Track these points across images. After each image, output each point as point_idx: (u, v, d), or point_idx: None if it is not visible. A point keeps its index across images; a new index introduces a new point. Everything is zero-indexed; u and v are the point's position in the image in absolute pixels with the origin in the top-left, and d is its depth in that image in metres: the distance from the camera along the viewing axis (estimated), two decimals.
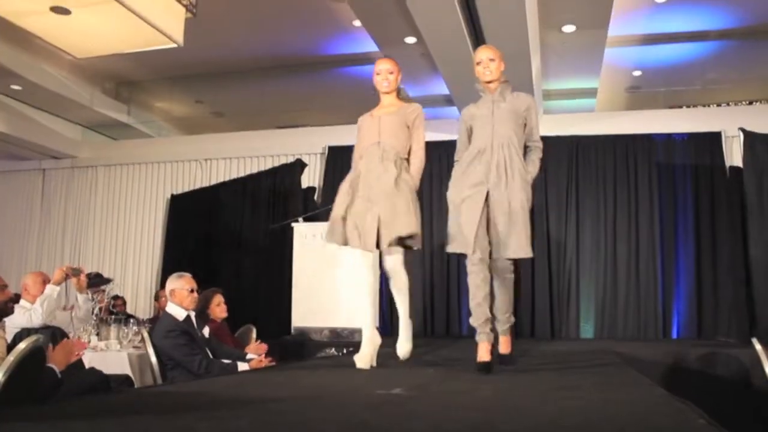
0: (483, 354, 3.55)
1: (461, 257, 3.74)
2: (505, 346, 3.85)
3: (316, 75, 8.38)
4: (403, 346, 4.12)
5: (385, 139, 3.85)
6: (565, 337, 7.60)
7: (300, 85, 8.76)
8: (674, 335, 7.44)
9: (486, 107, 3.78)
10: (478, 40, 6.05)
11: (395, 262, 3.87)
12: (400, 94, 4.08)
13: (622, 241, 7.72)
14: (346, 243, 3.80)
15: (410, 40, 6.54)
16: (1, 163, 9.87)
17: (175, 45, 5.95)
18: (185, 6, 5.92)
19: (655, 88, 8.98)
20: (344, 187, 3.89)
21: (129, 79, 9.49)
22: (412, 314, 4.12)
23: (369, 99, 8.79)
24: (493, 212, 3.62)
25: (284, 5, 7.19)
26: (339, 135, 8.23)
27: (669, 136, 7.89)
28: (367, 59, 8.15)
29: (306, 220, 7.13)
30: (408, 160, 3.91)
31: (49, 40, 6.20)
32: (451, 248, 3.72)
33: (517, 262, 3.74)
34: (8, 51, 7.58)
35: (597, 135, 8.01)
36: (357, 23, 7.01)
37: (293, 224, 6.97)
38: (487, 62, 3.77)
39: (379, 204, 3.72)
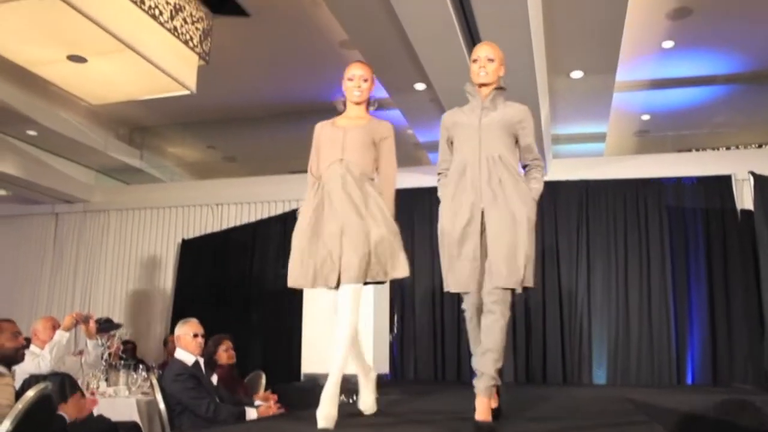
0: (483, 412, 2.98)
1: (461, 297, 3.26)
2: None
3: (325, 120, 8.44)
4: (366, 399, 3.53)
5: (349, 156, 3.32)
6: (577, 382, 7.51)
7: (311, 131, 8.81)
8: (689, 381, 7.33)
9: (473, 115, 3.28)
10: None
11: (352, 296, 3.12)
12: (370, 106, 3.59)
13: (633, 286, 7.67)
14: (315, 284, 3.20)
15: (420, 86, 6.62)
16: (15, 207, 9.96)
17: (188, 92, 6.06)
18: (198, 54, 6.04)
19: (663, 132, 9.02)
20: (307, 219, 3.29)
21: (142, 124, 9.63)
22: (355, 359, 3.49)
23: None
24: (490, 233, 3.11)
25: (295, 52, 7.31)
26: None
27: (678, 180, 7.89)
28: (378, 105, 8.24)
29: None
30: (373, 180, 3.39)
31: (65, 88, 6.33)
32: (455, 288, 3.19)
33: (514, 297, 3.14)
34: (25, 98, 7.72)
35: (606, 179, 8.02)
36: None
37: None
38: (484, 61, 3.27)
39: (352, 236, 3.14)
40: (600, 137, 8.53)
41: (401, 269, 3.24)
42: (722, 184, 7.71)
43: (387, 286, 6.35)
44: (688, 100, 8.52)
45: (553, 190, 8.00)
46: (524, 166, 3.37)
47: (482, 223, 3.13)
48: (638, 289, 7.64)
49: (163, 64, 5.67)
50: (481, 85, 3.27)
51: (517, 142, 3.30)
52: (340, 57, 7.07)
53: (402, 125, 7.99)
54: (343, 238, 3.15)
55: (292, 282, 3.26)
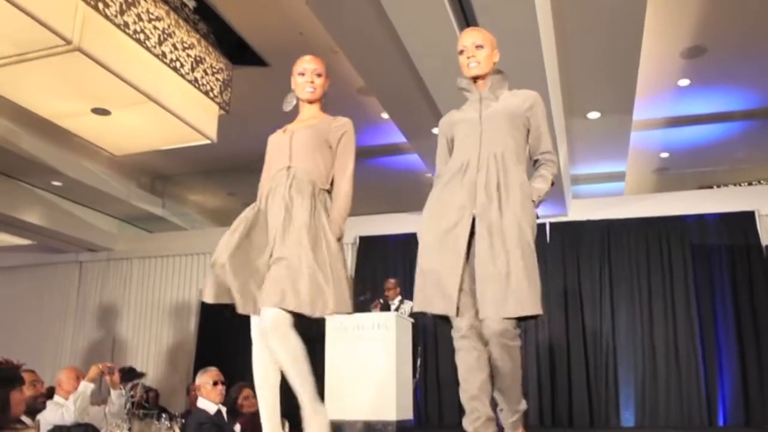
0: None
1: (438, 322, 2.72)
2: None
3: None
4: None
5: (297, 163, 2.81)
6: (604, 425, 7.36)
7: None
8: (720, 422, 7.18)
9: (472, 109, 2.78)
10: None
11: (280, 319, 2.55)
12: (325, 107, 3.04)
13: (659, 325, 7.57)
14: (226, 301, 2.72)
15: (437, 130, 6.66)
16: (40, 256, 10.09)
17: (209, 141, 6.15)
18: (218, 104, 6.15)
19: (683, 169, 9.00)
20: (238, 225, 2.75)
21: (164, 173, 9.76)
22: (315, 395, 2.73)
23: (399, 188, 8.95)
24: (481, 250, 2.53)
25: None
26: (370, 225, 8.31)
27: (701, 217, 7.84)
28: (397, 150, 8.31)
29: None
30: (329, 192, 2.85)
31: (89, 139, 6.46)
32: (422, 306, 2.62)
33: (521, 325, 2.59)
34: (51, 149, 7.88)
35: (628, 218, 7.98)
36: (385, 115, 7.19)
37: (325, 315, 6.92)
38: (472, 49, 2.74)
39: (284, 261, 2.62)
40: (619, 176, 8.52)
41: (321, 307, 2.57)
42: (746, 219, 7.65)
43: (409, 327, 6.30)
44: (706, 136, 8.50)
45: (574, 231, 7.97)
46: (534, 162, 2.83)
47: (471, 233, 2.58)
48: (664, 329, 7.53)
49: (185, 114, 5.78)
50: (476, 78, 2.78)
51: (528, 135, 2.78)
52: (359, 103, 7.18)
53: (421, 169, 8.04)
54: (272, 259, 2.67)
55: (204, 296, 2.74)
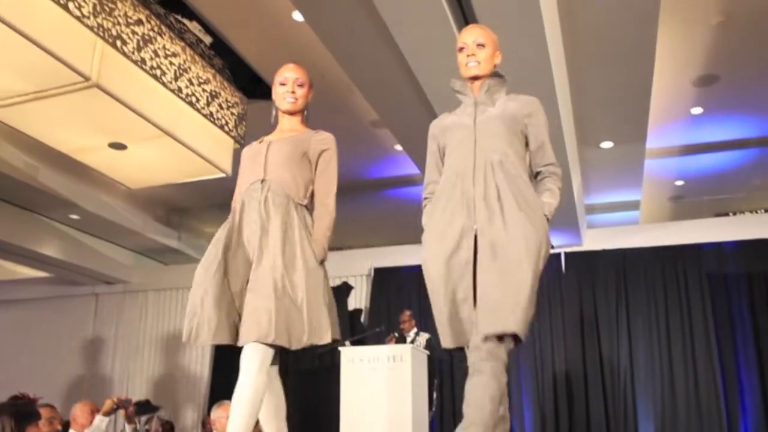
0: None
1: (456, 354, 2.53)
2: None
3: (360, 198, 8.57)
4: None
5: (272, 175, 2.62)
6: None
7: (345, 208, 8.90)
8: None
9: (466, 114, 2.56)
10: None
11: (253, 355, 2.45)
12: (307, 120, 2.85)
13: (677, 355, 7.48)
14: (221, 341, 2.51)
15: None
16: (56, 289, 10.15)
17: (223, 174, 6.21)
18: (233, 137, 6.22)
19: (699, 197, 8.94)
20: (212, 261, 2.56)
21: (179, 205, 9.83)
22: None
23: (414, 219, 8.94)
24: (481, 265, 2.34)
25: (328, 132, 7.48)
26: (384, 257, 8.32)
27: (718, 245, 7.77)
28: (410, 181, 8.34)
29: (353, 343, 7.06)
30: (307, 208, 2.69)
31: (106, 174, 6.54)
32: (450, 342, 2.42)
33: (509, 353, 2.34)
34: (68, 183, 7.98)
35: (643, 247, 7.93)
36: (398, 147, 7.23)
37: (340, 348, 6.91)
38: (473, 47, 2.54)
39: (258, 290, 2.48)
40: (634, 205, 8.49)
41: (317, 335, 2.47)
42: (764, 247, 7.58)
43: (425, 359, 6.25)
44: (721, 164, 8.46)
45: (589, 260, 7.93)
46: (536, 175, 2.59)
47: (475, 252, 2.36)
48: (683, 359, 7.43)
49: (200, 148, 5.85)
50: (473, 78, 2.56)
51: (526, 144, 2.56)
52: (372, 135, 7.22)
53: None
54: (248, 285, 2.52)
55: (188, 338, 2.51)
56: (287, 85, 2.75)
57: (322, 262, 2.62)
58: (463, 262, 2.37)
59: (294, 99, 2.75)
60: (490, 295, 2.28)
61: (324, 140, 2.74)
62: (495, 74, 2.58)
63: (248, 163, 2.73)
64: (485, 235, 2.34)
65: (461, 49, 2.56)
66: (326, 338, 2.51)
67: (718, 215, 8.62)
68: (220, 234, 2.62)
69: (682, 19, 5.68)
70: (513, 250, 2.30)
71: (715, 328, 7.45)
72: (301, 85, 2.77)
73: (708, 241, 7.82)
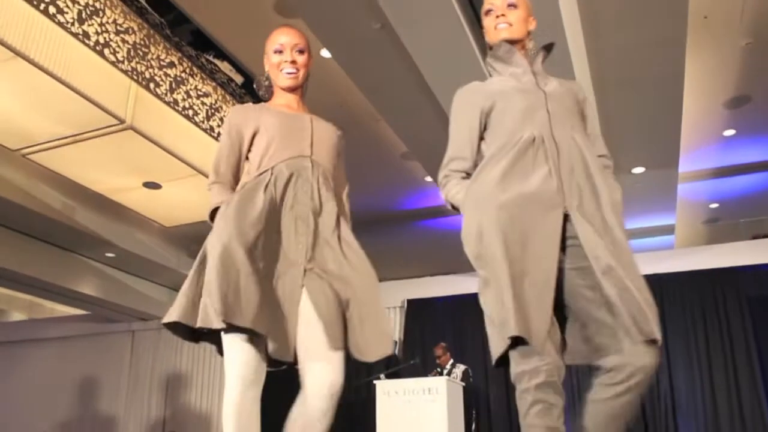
0: None
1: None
2: None
3: (392, 230, 8.60)
4: None
5: (319, 157, 2.10)
6: None
7: (378, 240, 9.02)
8: None
9: (524, 81, 2.06)
10: None
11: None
12: (305, 94, 2.26)
13: (720, 383, 7.30)
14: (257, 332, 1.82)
15: None
16: (93, 326, 10.27)
17: None
18: None
19: (734, 219, 8.81)
20: (247, 220, 1.92)
21: None
22: None
23: (446, 250, 8.92)
24: (577, 261, 1.85)
25: (360, 166, 7.54)
26: (417, 288, 8.30)
27: (756, 268, 7.62)
28: (442, 212, 8.35)
29: (388, 376, 7.04)
30: None
31: (141, 212, 6.66)
32: (507, 332, 1.74)
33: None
34: (104, 222, 8.11)
35: (680, 272, 7.80)
36: (429, 179, 7.26)
37: (375, 381, 6.88)
38: (503, 7, 2.09)
39: (326, 275, 1.96)
40: (669, 229, 8.39)
41: (381, 346, 1.95)
42: None
43: (461, 392, 6.20)
44: (756, 185, 8.35)
45: None
46: None
47: (564, 240, 1.85)
48: (725, 387, 7.25)
49: None
50: (510, 42, 2.09)
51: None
52: (403, 167, 7.27)
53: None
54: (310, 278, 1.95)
55: (224, 317, 1.76)
56: (285, 52, 2.16)
57: None
58: (549, 239, 1.83)
59: (295, 70, 2.16)
60: (626, 293, 1.78)
61: (342, 137, 2.25)
62: (549, 48, 2.15)
63: (281, 128, 2.10)
64: (578, 217, 1.85)
65: (488, 12, 2.11)
66: (388, 351, 1.96)
67: (755, 237, 8.47)
68: (259, 202, 1.95)
69: (710, 42, 5.66)
70: (618, 236, 1.86)
71: (758, 353, 7.27)
72: (301, 52, 2.18)
73: (746, 263, 7.66)
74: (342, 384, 1.95)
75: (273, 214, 1.97)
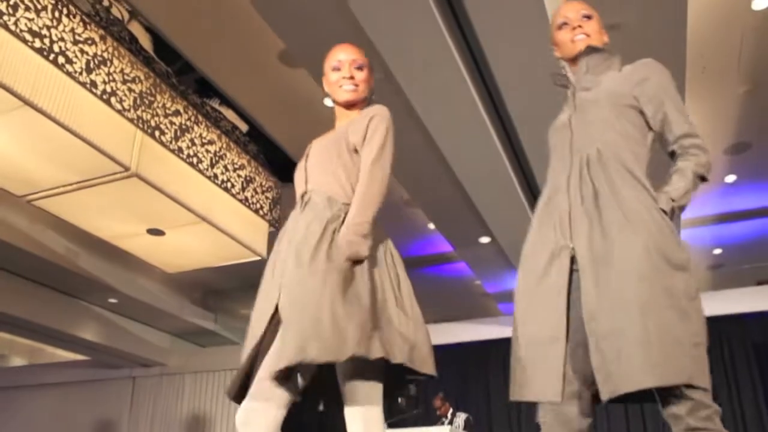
0: None
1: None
2: None
3: None
4: None
5: (313, 184, 2.04)
6: None
7: None
8: None
9: (566, 109, 2.04)
10: None
11: (370, 418, 1.86)
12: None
13: (728, 429, 7.18)
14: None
15: (485, 239, 6.70)
16: (94, 372, 10.21)
17: (259, 257, 6.29)
18: (268, 221, 6.32)
19: (739, 266, 8.77)
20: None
21: (216, 288, 9.92)
22: None
23: (449, 297, 8.91)
24: (586, 292, 1.70)
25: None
26: None
27: (762, 315, 7.57)
28: (444, 259, 8.35)
29: (391, 426, 6.95)
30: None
31: (144, 259, 6.66)
32: (516, 394, 1.78)
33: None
34: (107, 268, 8.14)
35: None
36: (432, 226, 7.28)
37: None
38: (579, 19, 2.03)
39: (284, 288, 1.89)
40: None
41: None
42: None
43: None
44: (759, 230, 8.33)
45: None
46: (671, 156, 1.90)
47: (571, 274, 1.78)
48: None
49: (236, 232, 5.95)
50: (576, 57, 2.03)
51: (647, 123, 1.90)
52: (405, 214, 7.29)
53: (470, 277, 8.02)
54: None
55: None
56: (343, 69, 2.12)
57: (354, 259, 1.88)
58: (553, 287, 1.77)
59: (354, 86, 2.11)
60: (617, 333, 1.62)
61: (369, 111, 2.07)
62: (593, 49, 2.00)
63: (296, 183, 2.14)
64: (584, 253, 1.74)
65: (562, 25, 2.05)
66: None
67: (760, 283, 8.43)
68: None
69: (708, 91, 5.72)
70: (630, 263, 1.66)
71: (765, 401, 7.18)
72: (360, 68, 2.13)
73: (751, 310, 7.62)
74: None
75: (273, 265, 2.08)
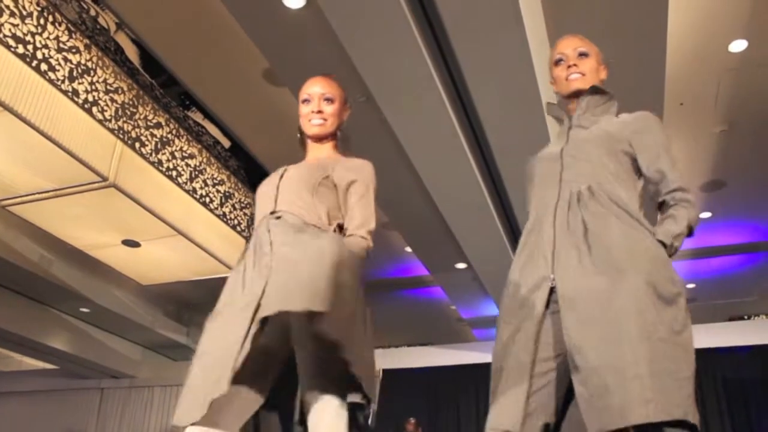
0: None
1: None
2: None
3: (370, 298, 8.57)
4: None
5: (283, 205, 1.97)
6: None
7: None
8: None
9: (558, 141, 2.04)
10: None
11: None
12: (343, 146, 2.19)
13: None
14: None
15: (461, 265, 6.73)
16: (62, 381, 10.05)
17: None
18: (245, 237, 6.31)
19: (711, 301, 8.87)
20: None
21: (190, 302, 9.84)
22: None
23: (423, 321, 8.91)
24: (567, 324, 1.67)
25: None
26: (392, 358, 8.24)
27: (732, 350, 7.65)
28: (420, 283, 8.36)
29: None
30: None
31: (119, 269, 6.61)
32: (491, 425, 1.73)
33: None
34: (81, 277, 8.05)
35: None
36: (409, 249, 7.31)
37: None
38: (573, 57, 2.05)
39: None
40: None
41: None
42: None
43: None
44: (732, 267, 8.44)
45: None
46: (659, 207, 1.89)
47: (549, 306, 1.76)
48: None
49: (212, 247, 5.93)
50: (575, 95, 2.04)
51: (638, 170, 1.91)
52: (383, 237, 7.30)
53: (445, 301, 8.03)
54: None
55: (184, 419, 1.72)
56: (312, 102, 2.12)
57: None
58: (529, 315, 1.76)
59: (322, 120, 2.10)
60: (596, 368, 1.60)
61: (356, 167, 2.05)
62: (596, 89, 2.02)
63: (260, 202, 2.07)
64: (566, 286, 1.72)
65: (558, 61, 2.07)
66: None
67: (731, 319, 8.53)
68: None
69: (686, 128, 5.82)
70: (617, 300, 1.64)
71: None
72: (329, 100, 2.13)
73: (722, 345, 7.69)
74: None
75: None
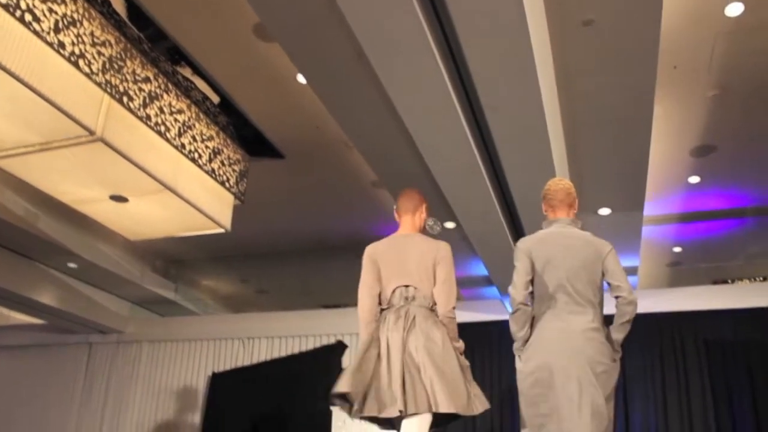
0: None
1: None
2: None
3: (358, 257, 8.60)
4: None
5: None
6: None
7: (343, 267, 8.99)
8: None
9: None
10: (515, 224, 6.21)
11: None
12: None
13: (674, 422, 7.35)
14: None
15: (450, 224, 6.73)
16: (50, 336, 10.06)
17: (223, 230, 6.25)
18: (234, 194, 6.28)
19: (696, 264, 8.95)
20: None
21: (178, 258, 9.85)
22: None
23: None
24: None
25: (328, 192, 7.55)
26: None
27: (716, 313, 7.73)
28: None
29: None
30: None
31: (106, 225, 6.57)
32: None
33: None
34: (68, 232, 8.02)
35: (641, 313, 7.82)
36: None
37: (332, 407, 6.82)
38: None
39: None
40: (632, 271, 8.48)
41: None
42: (762, 316, 7.51)
43: None
44: (719, 231, 8.51)
45: None
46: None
47: None
48: (679, 427, 7.32)
49: (200, 204, 5.90)
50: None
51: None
52: (373, 195, 7.29)
53: None
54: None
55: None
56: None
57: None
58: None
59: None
60: None
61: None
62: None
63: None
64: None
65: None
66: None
67: (715, 282, 8.62)
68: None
69: (678, 92, 5.80)
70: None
71: (712, 396, 7.35)
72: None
73: (705, 308, 7.77)
74: None
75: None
